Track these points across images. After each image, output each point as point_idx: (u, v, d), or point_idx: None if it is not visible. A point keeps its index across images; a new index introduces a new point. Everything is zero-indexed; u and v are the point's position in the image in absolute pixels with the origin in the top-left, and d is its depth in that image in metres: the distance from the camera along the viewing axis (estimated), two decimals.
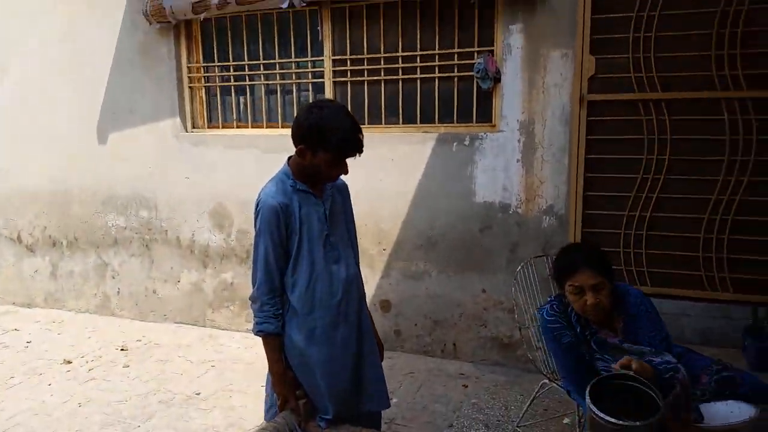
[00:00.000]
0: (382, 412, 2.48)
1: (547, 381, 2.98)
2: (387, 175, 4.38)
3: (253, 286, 2.20)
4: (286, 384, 2.17)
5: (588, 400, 1.93)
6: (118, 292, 5.42)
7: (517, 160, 4.05)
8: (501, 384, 3.94)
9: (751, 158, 3.52)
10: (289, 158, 2.26)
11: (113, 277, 5.41)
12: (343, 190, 2.41)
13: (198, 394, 3.95)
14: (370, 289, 4.48)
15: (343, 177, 2.40)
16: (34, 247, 5.66)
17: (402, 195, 4.36)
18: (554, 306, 2.39)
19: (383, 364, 2.43)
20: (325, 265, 2.20)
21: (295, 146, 2.14)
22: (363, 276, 4.42)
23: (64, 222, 5.51)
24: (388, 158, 4.36)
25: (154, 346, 4.79)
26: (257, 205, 2.19)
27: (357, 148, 2.11)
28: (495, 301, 4.20)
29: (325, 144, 2.07)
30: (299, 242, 2.17)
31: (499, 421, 3.47)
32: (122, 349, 4.73)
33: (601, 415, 1.86)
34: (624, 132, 3.79)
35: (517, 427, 3.20)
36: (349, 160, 2.18)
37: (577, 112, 3.86)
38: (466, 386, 3.92)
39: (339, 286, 2.22)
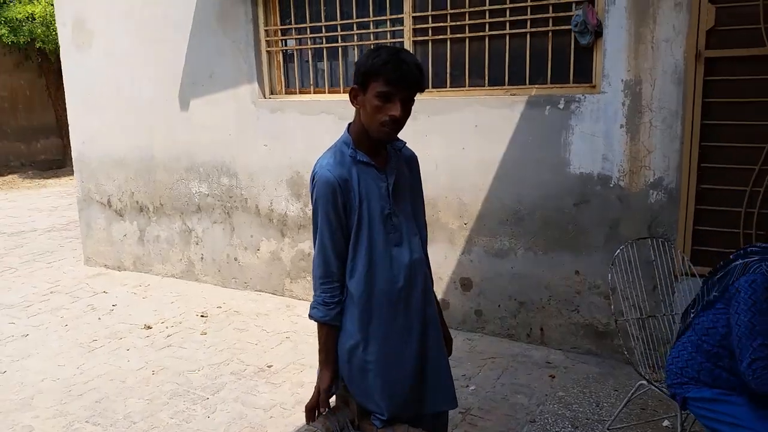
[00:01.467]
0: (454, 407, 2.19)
1: (644, 383, 2.59)
2: (470, 144, 4.02)
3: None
4: (323, 379, 1.94)
5: None
6: (202, 258, 5.44)
7: (621, 126, 3.56)
8: (593, 376, 3.55)
9: None
10: (349, 125, 1.98)
11: (197, 243, 5.43)
12: (412, 162, 2.09)
13: (270, 366, 3.85)
14: (450, 266, 4.19)
15: (412, 148, 2.09)
16: (123, 211, 5.78)
17: (486, 165, 3.99)
18: None
19: (460, 347, 2.13)
20: (385, 248, 1.92)
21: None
22: (443, 253, 4.14)
23: (150, 188, 5.57)
24: (471, 124, 3.99)
25: (234, 313, 4.76)
26: (313, 179, 1.93)
27: (410, 72, 1.77)
28: (590, 284, 3.78)
29: (373, 69, 1.78)
30: (358, 222, 1.89)
31: (588, 419, 3.10)
32: (202, 316, 4.73)
33: None
34: (748, 94, 3.22)
35: (608, 429, 2.82)
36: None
37: (692, 71, 3.31)
38: (553, 377, 3.57)
39: (401, 271, 1.93)
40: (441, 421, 2.14)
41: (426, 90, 1.93)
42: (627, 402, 2.75)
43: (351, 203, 1.89)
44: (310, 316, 1.95)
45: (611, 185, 3.62)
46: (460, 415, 3.16)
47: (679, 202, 3.42)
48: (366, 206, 1.90)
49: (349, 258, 1.92)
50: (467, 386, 3.46)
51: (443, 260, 4.19)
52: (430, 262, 2.13)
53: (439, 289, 4.23)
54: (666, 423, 3.01)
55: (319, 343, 1.96)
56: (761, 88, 3.18)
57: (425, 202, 2.19)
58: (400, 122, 1.84)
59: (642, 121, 3.50)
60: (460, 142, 4.05)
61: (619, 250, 2.91)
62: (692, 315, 2.18)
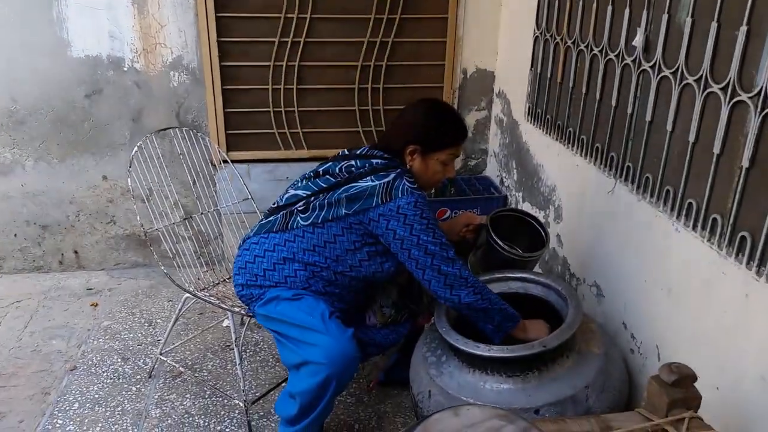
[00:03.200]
0: None
1: (189, 296, 2.26)
2: None
3: None
4: None
5: (492, 232, 2.09)
6: None
7: None
8: (143, 292, 3.11)
9: None
10: None
11: None
12: None
13: None
14: None
15: None
16: None
17: None
18: (407, 176, 1.87)
19: None
20: None
21: None
22: None
23: None
24: None
25: None
26: None
27: None
28: (122, 188, 3.23)
29: None
30: None
31: (140, 345, 2.68)
32: None
33: (506, 246, 2.09)
34: None
35: (161, 354, 2.45)
36: None
37: None
38: (96, 305, 3.00)
39: None
40: None
41: None
42: (176, 321, 2.40)
43: None
44: None
45: (125, 69, 3.04)
46: None
47: (205, 83, 3.08)
48: None
49: None
50: None
51: None
52: None
53: None
54: (226, 323, 2.81)
55: None
56: None
57: None
58: None
59: None
60: None
61: (136, 148, 2.40)
62: (302, 222, 1.90)
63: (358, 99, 3.24)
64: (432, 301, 1.96)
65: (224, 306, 2.12)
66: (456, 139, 1.98)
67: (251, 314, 2.02)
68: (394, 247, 1.85)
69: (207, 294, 2.26)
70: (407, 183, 1.84)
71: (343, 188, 1.89)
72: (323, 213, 1.89)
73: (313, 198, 1.93)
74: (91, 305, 2.99)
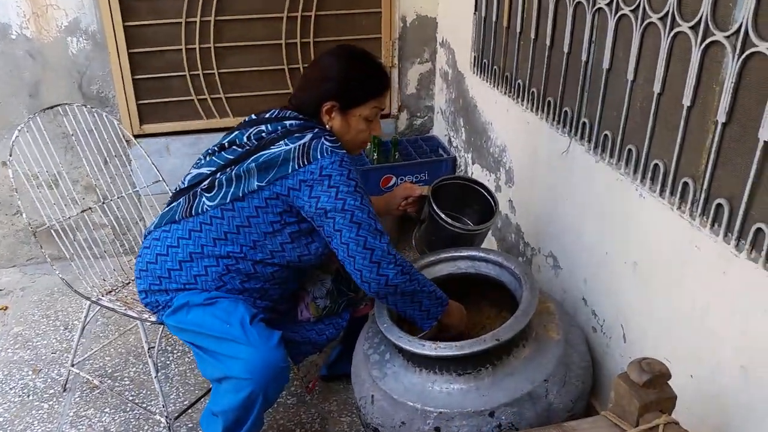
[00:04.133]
0: None
1: (94, 302, 1.95)
2: None
3: None
4: None
5: (434, 205, 1.86)
6: None
7: None
8: (59, 289, 2.77)
9: None
10: None
11: None
12: None
13: None
14: None
15: None
16: None
17: None
18: (327, 135, 1.60)
19: None
20: None
21: None
22: None
23: None
24: None
25: None
26: None
27: None
28: (26, 175, 2.82)
29: None
30: None
31: (54, 352, 2.37)
32: None
33: (449, 220, 1.86)
34: None
35: (73, 366, 2.15)
36: None
37: None
38: (6, 308, 2.67)
39: None
40: None
41: None
42: (82, 332, 2.09)
43: None
44: None
45: (13, 37, 2.62)
46: None
47: (108, 48, 2.69)
48: None
49: None
50: None
51: None
52: None
53: None
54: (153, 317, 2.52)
55: None
56: None
57: None
58: None
59: None
60: None
61: (17, 132, 2.05)
62: (208, 203, 1.61)
63: (287, 56, 2.90)
64: None
65: (132, 314, 1.82)
66: (378, 89, 1.69)
67: (161, 323, 1.74)
68: (317, 220, 1.56)
69: (113, 297, 1.96)
70: (327, 142, 1.57)
71: (252, 157, 1.59)
72: (232, 189, 1.60)
73: (219, 174, 1.64)
74: (0, 309, 2.66)
